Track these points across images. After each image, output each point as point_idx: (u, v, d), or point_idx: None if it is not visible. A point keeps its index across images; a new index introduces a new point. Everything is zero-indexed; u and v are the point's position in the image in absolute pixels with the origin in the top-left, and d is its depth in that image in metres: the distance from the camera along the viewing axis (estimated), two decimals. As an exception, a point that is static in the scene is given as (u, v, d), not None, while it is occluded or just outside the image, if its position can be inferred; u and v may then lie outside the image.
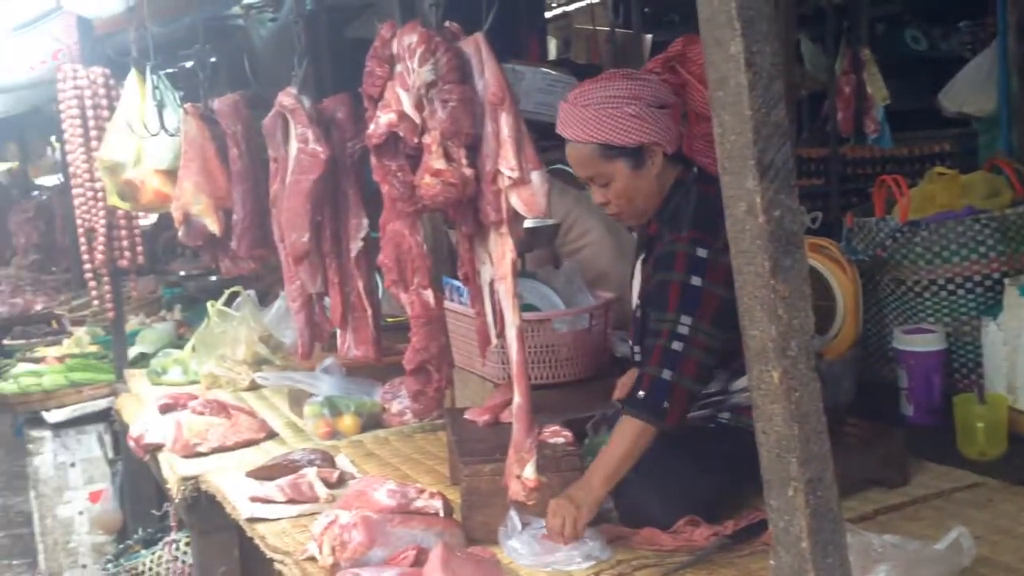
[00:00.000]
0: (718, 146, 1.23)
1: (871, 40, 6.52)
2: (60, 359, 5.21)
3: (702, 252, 2.15)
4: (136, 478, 4.61)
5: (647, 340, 2.25)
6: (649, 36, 6.52)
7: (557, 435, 2.39)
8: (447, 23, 1.94)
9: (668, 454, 2.19)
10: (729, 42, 1.19)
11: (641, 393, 2.15)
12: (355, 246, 2.49)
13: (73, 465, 4.95)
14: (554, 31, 7.35)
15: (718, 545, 2.14)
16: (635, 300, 2.48)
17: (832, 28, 6.03)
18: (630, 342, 2.52)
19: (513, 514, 2.22)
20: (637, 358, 2.46)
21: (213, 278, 6.23)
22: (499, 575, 2.07)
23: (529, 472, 1.96)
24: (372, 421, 3.38)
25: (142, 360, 4.82)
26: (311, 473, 2.77)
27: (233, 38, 5.93)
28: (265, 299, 4.94)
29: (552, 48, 7.27)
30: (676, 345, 2.13)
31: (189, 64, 6.64)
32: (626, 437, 2.16)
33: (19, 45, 4.59)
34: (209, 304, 4.39)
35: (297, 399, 3.61)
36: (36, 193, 10.81)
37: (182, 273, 6.68)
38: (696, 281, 2.14)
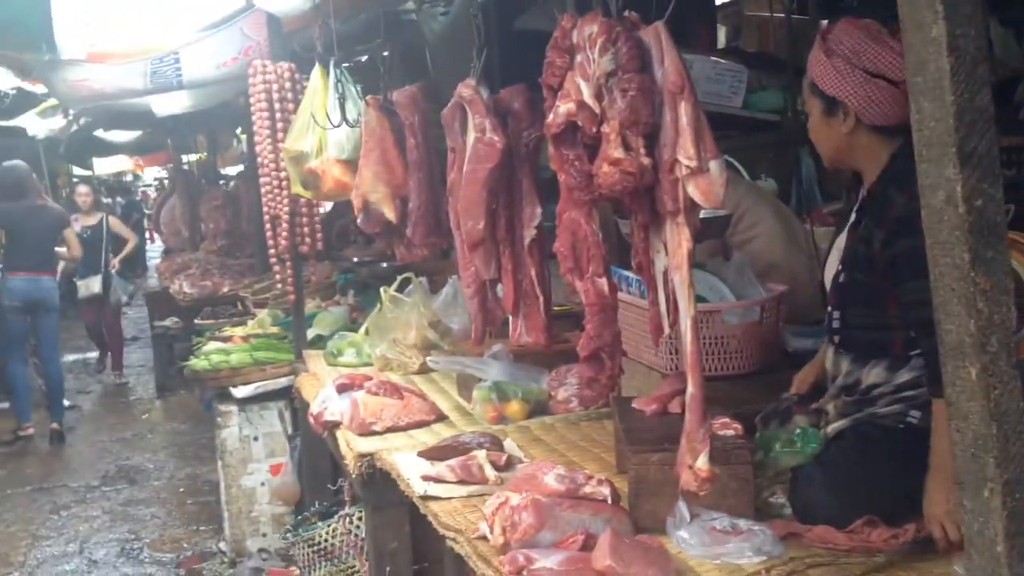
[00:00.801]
0: (915, 132, 1.19)
1: (1070, 22, 6.06)
2: (245, 338, 5.53)
3: None
4: (313, 453, 4.83)
5: (920, 311, 2.03)
6: (825, 22, 6.29)
7: (727, 427, 2.36)
8: (626, 12, 1.95)
9: (851, 452, 2.12)
10: (931, 25, 1.15)
11: None
12: (528, 234, 2.53)
13: (256, 439, 5.23)
14: (723, 19, 7.19)
15: (897, 548, 2.06)
16: (836, 266, 2.38)
17: (1027, 10, 5.64)
18: (828, 308, 2.41)
19: (682, 504, 2.21)
20: (836, 324, 2.37)
21: (384, 264, 6.46)
22: (668, 564, 2.06)
23: (702, 462, 1.95)
24: (538, 407, 3.43)
25: (319, 342, 5.05)
26: (481, 455, 2.84)
27: (406, 32, 6.12)
28: (434, 286, 5.08)
29: (721, 36, 7.12)
30: None
31: (364, 58, 6.90)
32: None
33: (213, 43, 4.88)
34: (382, 290, 4.55)
35: (465, 383, 3.70)
36: (222, 182, 11.49)
37: (355, 259, 6.95)
38: None
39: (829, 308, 2.39)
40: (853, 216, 2.37)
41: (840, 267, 2.36)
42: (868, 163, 2.28)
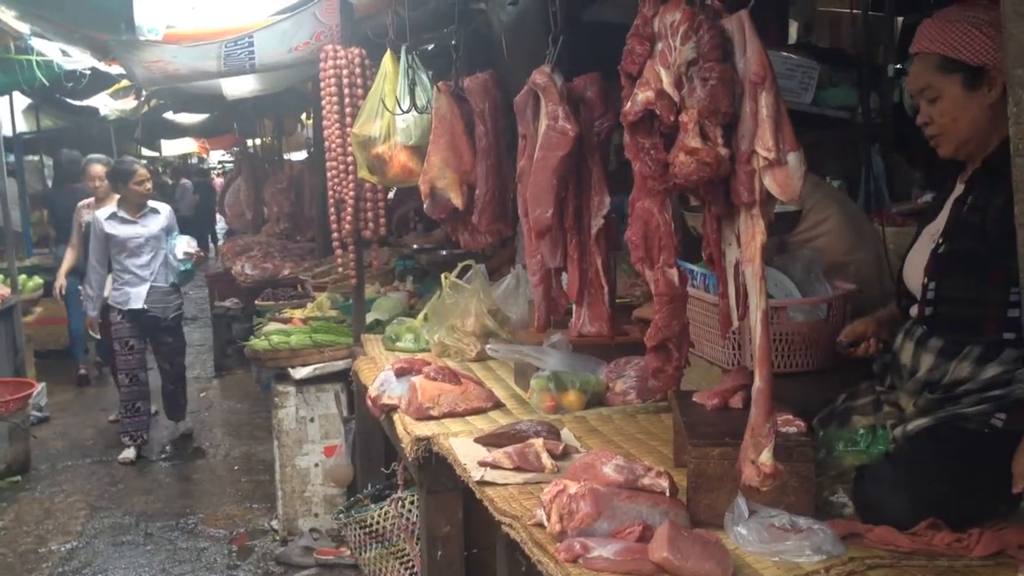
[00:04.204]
0: (1012, 127, 1.17)
1: None
2: (304, 321, 5.60)
3: None
4: (367, 437, 4.87)
5: None
6: (900, 19, 6.19)
7: (789, 424, 2.34)
8: (708, 0, 1.93)
9: (927, 452, 2.08)
10: (1033, 16, 1.12)
11: None
12: (596, 223, 2.52)
13: (312, 420, 5.28)
14: (795, 14, 7.10)
15: (958, 553, 2.03)
16: (929, 246, 2.34)
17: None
18: (924, 279, 2.36)
19: (740, 500, 2.19)
20: (930, 295, 2.33)
21: (443, 252, 6.51)
22: (725, 558, 2.05)
23: (766, 457, 1.93)
24: (596, 398, 3.43)
25: (376, 326, 5.09)
26: (538, 443, 2.84)
27: (474, 22, 6.13)
28: (492, 275, 5.09)
29: (792, 32, 7.03)
30: None
31: (431, 47, 6.94)
32: None
33: (286, 27, 4.92)
34: (443, 276, 4.58)
35: (523, 372, 3.71)
36: (289, 168, 11.59)
37: (415, 247, 7.00)
38: None
39: (925, 280, 2.34)
40: (958, 191, 2.33)
41: (940, 240, 2.31)
42: (998, 135, 2.21)
